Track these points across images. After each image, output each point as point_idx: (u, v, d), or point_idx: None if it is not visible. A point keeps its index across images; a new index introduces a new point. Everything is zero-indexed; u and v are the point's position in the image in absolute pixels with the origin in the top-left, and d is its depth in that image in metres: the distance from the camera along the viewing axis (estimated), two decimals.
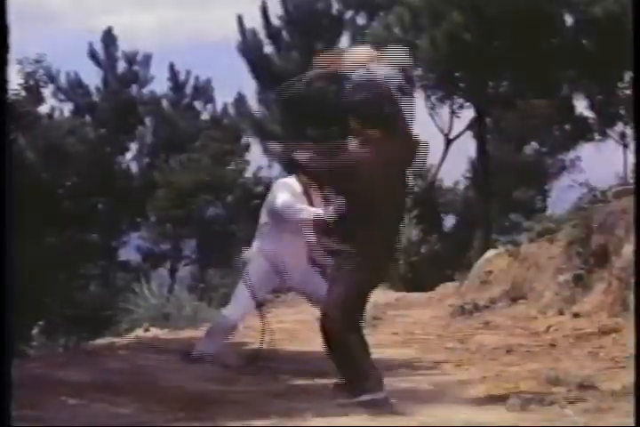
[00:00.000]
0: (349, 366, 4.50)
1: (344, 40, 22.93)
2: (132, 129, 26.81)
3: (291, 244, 5.97)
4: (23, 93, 17.64)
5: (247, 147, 24.63)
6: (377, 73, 4.42)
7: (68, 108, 26.87)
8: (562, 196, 19.74)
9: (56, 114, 26.18)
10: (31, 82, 17.96)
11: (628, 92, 18.40)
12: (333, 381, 4.79)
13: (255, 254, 6.10)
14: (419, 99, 20.76)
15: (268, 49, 22.80)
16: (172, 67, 27.58)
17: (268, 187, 25.22)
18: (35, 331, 14.00)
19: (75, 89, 27.14)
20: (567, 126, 23.16)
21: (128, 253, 25.08)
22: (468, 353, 7.11)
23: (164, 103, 27.50)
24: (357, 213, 4.45)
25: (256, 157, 24.42)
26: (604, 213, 8.78)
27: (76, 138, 22.76)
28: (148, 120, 27.27)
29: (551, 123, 23.52)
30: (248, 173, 24.23)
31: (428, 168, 23.45)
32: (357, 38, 21.81)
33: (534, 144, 25.86)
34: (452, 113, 21.28)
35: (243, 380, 5.68)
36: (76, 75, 27.18)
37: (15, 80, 16.68)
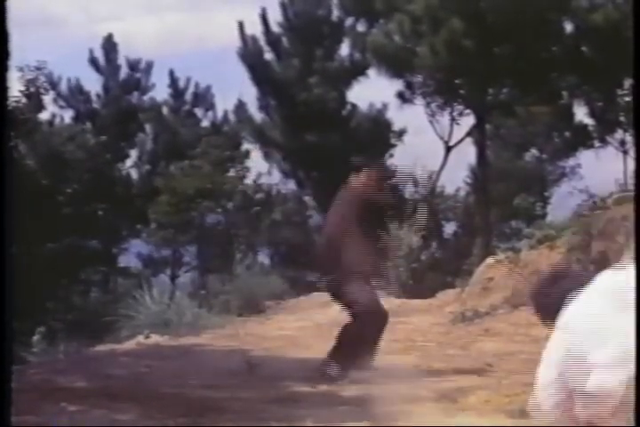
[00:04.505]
0: None
1: (344, 47, 22.97)
2: (132, 136, 26.78)
3: None
4: (24, 100, 17.63)
5: (247, 153, 24.62)
6: None
7: (68, 115, 26.85)
8: (562, 202, 19.75)
9: (56, 121, 26.17)
10: (32, 89, 17.95)
11: (628, 99, 18.40)
12: (334, 387, 4.78)
13: None
14: (419, 106, 20.80)
15: (269, 56, 22.79)
16: (172, 73, 27.60)
17: (267, 193, 24.95)
18: (35, 337, 13.98)
19: (75, 96, 27.12)
20: (567, 133, 23.18)
21: (129, 260, 25.03)
22: (469, 360, 7.10)
23: (165, 110, 27.48)
24: None
25: (256, 164, 24.41)
26: (603, 219, 8.78)
27: (76, 145, 22.72)
28: (148, 127, 27.24)
29: (551, 130, 23.54)
30: (248, 180, 24.23)
31: (429, 175, 23.46)
32: (357, 45, 21.83)
33: (534, 151, 25.85)
34: (452, 120, 21.24)
35: (243, 386, 5.68)
36: (76, 81, 27.21)
37: (16, 87, 16.67)
